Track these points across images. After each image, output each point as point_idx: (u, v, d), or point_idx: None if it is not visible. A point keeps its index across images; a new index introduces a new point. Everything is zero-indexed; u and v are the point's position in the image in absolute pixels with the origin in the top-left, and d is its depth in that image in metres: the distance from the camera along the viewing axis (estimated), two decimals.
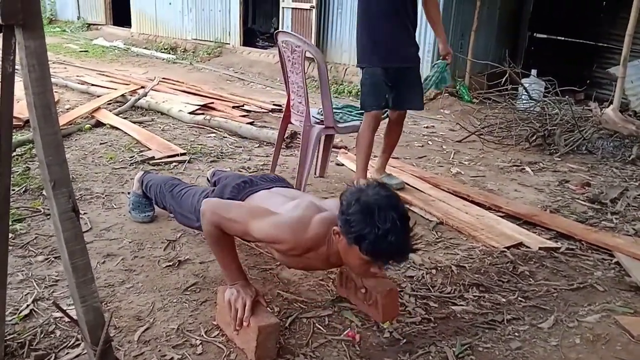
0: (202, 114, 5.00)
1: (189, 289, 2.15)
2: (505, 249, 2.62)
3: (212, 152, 3.99)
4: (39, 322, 1.87)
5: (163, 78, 6.69)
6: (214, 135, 4.47)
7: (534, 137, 4.74)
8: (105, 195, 3.03)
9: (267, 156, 3.96)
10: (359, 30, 3.17)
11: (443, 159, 4.29)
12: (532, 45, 8.38)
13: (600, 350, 1.89)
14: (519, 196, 3.48)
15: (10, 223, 2.01)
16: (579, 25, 7.96)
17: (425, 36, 6.54)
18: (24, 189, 2.98)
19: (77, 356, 1.70)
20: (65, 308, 1.74)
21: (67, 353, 1.72)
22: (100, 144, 4.00)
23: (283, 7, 8.11)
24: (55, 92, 5.45)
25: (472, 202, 3.25)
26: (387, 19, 3.03)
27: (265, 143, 4.29)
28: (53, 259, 2.29)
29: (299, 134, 3.96)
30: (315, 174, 3.59)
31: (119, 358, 1.64)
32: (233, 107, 5.47)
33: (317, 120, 3.19)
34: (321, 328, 1.95)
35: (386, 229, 1.54)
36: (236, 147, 4.20)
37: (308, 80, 3.15)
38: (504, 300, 2.20)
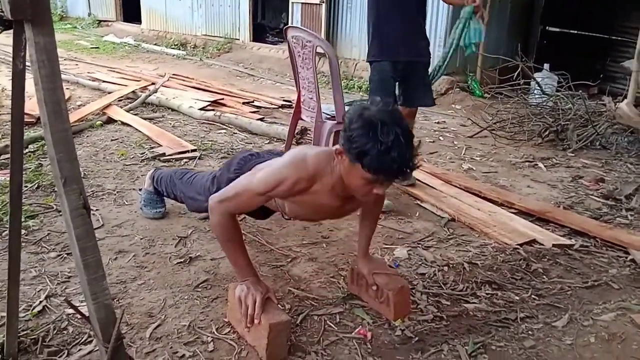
0: (213, 110, 5.00)
1: (200, 286, 2.15)
2: (518, 246, 2.59)
3: (223, 148, 3.98)
4: (51, 318, 1.88)
5: (173, 74, 6.70)
6: (224, 131, 4.46)
7: (547, 133, 4.68)
8: (117, 192, 3.03)
9: None
10: (369, 23, 3.13)
11: (454, 154, 4.25)
12: (544, 39, 8.28)
13: (616, 349, 1.86)
14: (531, 192, 3.44)
15: (23, 219, 2.02)
16: (592, 18, 7.85)
17: (436, 30, 6.49)
18: (36, 186, 3.00)
19: (89, 352, 1.71)
20: (77, 304, 1.74)
21: (80, 349, 1.73)
22: (112, 140, 4.02)
23: (292, 2, 8.07)
24: (67, 88, 5.48)
25: (484, 198, 3.22)
26: (397, 12, 2.99)
27: (275, 139, 4.28)
28: (65, 255, 2.30)
29: (310, 130, 3.95)
30: None
31: (131, 355, 1.65)
32: (243, 103, 5.46)
33: (328, 116, 3.17)
34: (332, 326, 1.94)
35: (389, 143, 1.52)
36: (246, 143, 4.19)
37: (318, 76, 3.13)
38: (517, 298, 2.17)
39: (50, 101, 1.20)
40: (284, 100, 5.70)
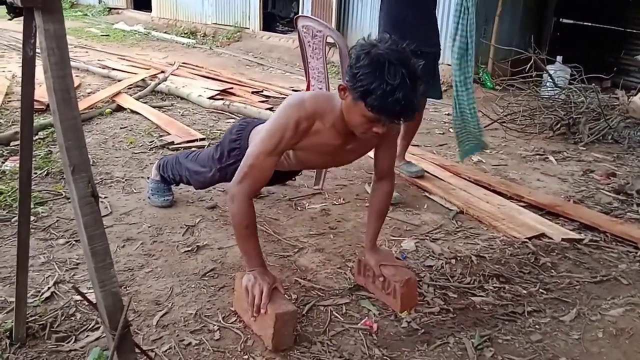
0: (222, 99, 4.99)
1: (207, 275, 2.15)
2: (527, 240, 2.57)
3: None
4: (59, 304, 1.89)
5: (183, 63, 6.69)
6: (233, 120, 4.46)
7: (558, 126, 4.63)
8: (125, 180, 3.05)
9: None
10: (380, 9, 3.10)
11: None
12: (557, 31, 8.18)
13: (624, 344, 1.85)
14: (541, 186, 3.42)
15: (32, 206, 2.03)
16: (606, 10, 7.73)
17: (447, 25, 6.42)
18: (45, 173, 3.02)
19: (96, 339, 1.72)
20: (85, 291, 1.76)
21: (87, 336, 1.75)
22: (121, 128, 4.03)
23: None
24: (77, 76, 5.49)
25: (494, 191, 3.20)
26: (410, 2, 2.96)
27: None
28: (74, 242, 2.32)
29: None
30: None
31: (137, 342, 1.66)
32: (252, 93, 5.45)
33: None
34: (338, 316, 1.94)
35: (395, 84, 1.50)
36: None
37: (327, 66, 3.11)
38: (524, 291, 2.16)
39: (59, 89, 1.20)
40: (293, 90, 5.68)
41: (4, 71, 5.60)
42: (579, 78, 5.13)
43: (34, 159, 1.74)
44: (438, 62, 3.22)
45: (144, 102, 4.73)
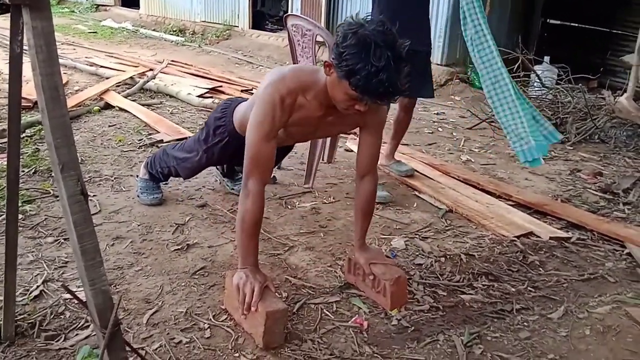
0: (211, 97, 4.98)
1: (197, 273, 2.15)
2: (515, 238, 2.60)
3: None
4: (48, 303, 1.88)
5: (172, 60, 6.66)
6: None
7: None
8: (114, 178, 3.02)
9: None
10: (373, 8, 3.10)
11: (453, 146, 4.25)
12: (545, 32, 8.24)
13: (611, 341, 1.87)
14: (529, 185, 3.45)
15: (20, 204, 2.01)
16: (593, 11, 7.81)
17: (436, 23, 6.46)
18: (33, 170, 2.99)
19: (86, 337, 1.71)
20: (74, 290, 1.75)
21: (77, 334, 1.73)
22: (109, 126, 4.00)
23: None
24: (64, 73, 5.44)
25: (482, 190, 3.22)
26: (407, 1, 2.97)
27: None
28: (63, 240, 2.30)
29: None
30: (323, 159, 3.56)
31: (128, 340, 1.65)
32: (241, 91, 5.44)
33: None
34: (329, 314, 1.95)
35: (380, 66, 1.51)
36: None
37: (317, 65, 3.11)
38: (513, 289, 2.18)
39: (48, 87, 1.19)
40: None
41: None
42: (566, 78, 5.18)
43: (21, 157, 1.72)
44: (430, 59, 3.24)
45: (133, 100, 4.70)
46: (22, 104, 1.73)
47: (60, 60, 1.25)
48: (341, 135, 3.76)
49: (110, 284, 1.98)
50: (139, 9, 10.94)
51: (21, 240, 2.17)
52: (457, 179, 3.38)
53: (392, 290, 1.95)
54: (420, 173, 3.43)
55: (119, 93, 4.85)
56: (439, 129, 4.78)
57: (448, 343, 1.83)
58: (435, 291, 2.13)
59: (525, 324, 1.96)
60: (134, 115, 4.26)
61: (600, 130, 4.59)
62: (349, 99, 1.66)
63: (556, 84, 5.40)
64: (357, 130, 2.10)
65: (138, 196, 2.73)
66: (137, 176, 2.79)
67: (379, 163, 3.23)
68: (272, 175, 2.99)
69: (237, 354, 1.70)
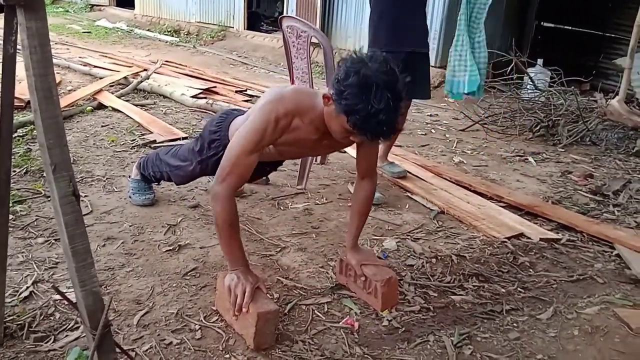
0: (205, 98, 4.97)
1: (188, 274, 2.15)
2: (506, 240, 2.62)
3: None
4: (38, 304, 1.87)
5: (166, 61, 6.64)
6: None
7: (538, 127, 4.71)
8: (106, 178, 3.02)
9: None
10: (372, 11, 3.11)
11: (446, 147, 4.27)
12: (538, 34, 8.29)
13: (599, 342, 1.89)
14: (521, 186, 3.47)
15: (10, 205, 2.01)
16: (586, 14, 7.87)
17: (431, 25, 6.48)
18: (25, 171, 2.98)
19: (76, 339, 1.71)
20: (65, 291, 1.75)
21: (66, 335, 1.73)
22: (102, 126, 3.99)
23: None
24: (58, 73, 5.42)
25: (474, 191, 3.24)
26: (402, 2, 2.99)
27: None
28: (53, 241, 2.29)
29: None
30: (316, 160, 3.57)
31: (118, 342, 1.65)
32: (236, 92, 5.44)
33: None
34: (320, 315, 1.95)
35: (379, 108, 1.52)
36: None
37: (312, 66, 3.12)
38: (503, 290, 2.20)
39: (41, 87, 1.19)
40: None
41: None
42: (559, 81, 5.22)
43: (12, 157, 1.72)
44: (428, 61, 3.25)
45: (126, 100, 4.69)
46: (15, 104, 1.72)
47: (54, 60, 1.25)
48: None
49: (101, 285, 1.98)
50: (133, 9, 10.90)
51: (11, 240, 2.17)
52: (449, 181, 3.40)
53: (383, 291, 1.97)
54: (413, 174, 3.45)
55: (112, 93, 4.83)
56: (432, 130, 4.81)
57: (438, 344, 1.84)
58: (426, 292, 2.15)
59: (514, 324, 1.98)
60: (127, 116, 4.25)
61: (592, 132, 4.63)
62: (345, 131, 1.67)
63: (549, 86, 5.44)
64: None
65: (130, 197, 2.72)
66: (129, 177, 2.79)
67: None
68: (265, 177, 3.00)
69: (227, 355, 1.71)
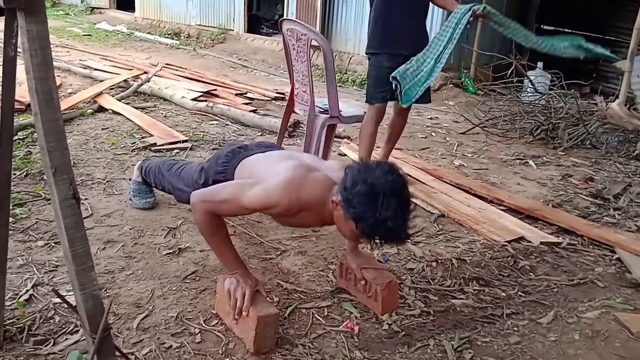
0: (205, 100, 4.97)
1: (188, 277, 2.15)
2: (506, 243, 2.61)
3: (215, 139, 3.97)
4: (38, 307, 1.87)
5: (166, 64, 6.65)
6: (216, 122, 4.45)
7: (538, 131, 4.71)
8: (107, 181, 3.02)
9: None
10: (372, 14, 3.11)
11: (446, 150, 4.27)
12: None
13: (599, 346, 1.89)
14: (521, 190, 3.47)
15: (10, 207, 2.01)
16: (586, 17, 7.88)
17: (431, 28, 6.48)
18: (25, 173, 2.98)
19: (75, 342, 1.71)
20: (64, 294, 1.74)
21: (66, 339, 1.73)
22: (102, 129, 3.99)
23: None
24: (58, 76, 5.42)
25: (474, 195, 3.24)
26: (403, 6, 2.99)
27: (267, 131, 4.27)
28: (53, 244, 2.29)
29: (302, 123, 3.94)
30: None
31: (118, 345, 1.65)
32: (236, 95, 5.44)
33: (321, 110, 3.17)
34: (320, 319, 1.95)
35: (386, 216, 1.54)
36: (238, 135, 4.18)
37: (312, 69, 3.12)
38: (503, 294, 2.19)
39: (41, 90, 1.19)
40: (277, 93, 5.68)
41: None
42: (559, 84, 5.23)
43: (13, 160, 1.72)
44: None
45: (126, 103, 4.70)
46: (15, 107, 1.73)
47: (54, 63, 1.25)
48: (335, 139, 3.78)
49: (101, 289, 1.98)
50: (134, 12, 10.92)
51: (11, 243, 2.16)
52: (449, 184, 3.40)
53: (383, 295, 1.96)
54: (413, 177, 3.44)
55: (112, 96, 4.84)
56: (433, 133, 4.81)
57: (438, 348, 1.84)
58: (427, 296, 2.14)
59: (515, 328, 1.98)
60: (128, 119, 4.26)
61: (592, 135, 4.63)
62: (354, 235, 1.68)
63: (549, 90, 5.44)
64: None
65: (130, 199, 2.72)
66: (130, 179, 2.79)
67: None
68: None
69: (227, 359, 1.70)
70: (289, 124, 3.81)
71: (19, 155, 3.20)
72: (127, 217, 2.61)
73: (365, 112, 3.30)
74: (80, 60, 6.57)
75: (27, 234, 2.36)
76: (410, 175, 3.44)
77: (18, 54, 1.33)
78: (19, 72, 1.34)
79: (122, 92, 5.05)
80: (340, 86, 6.67)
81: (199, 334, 1.81)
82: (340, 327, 1.91)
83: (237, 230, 2.56)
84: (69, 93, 4.94)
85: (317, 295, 2.10)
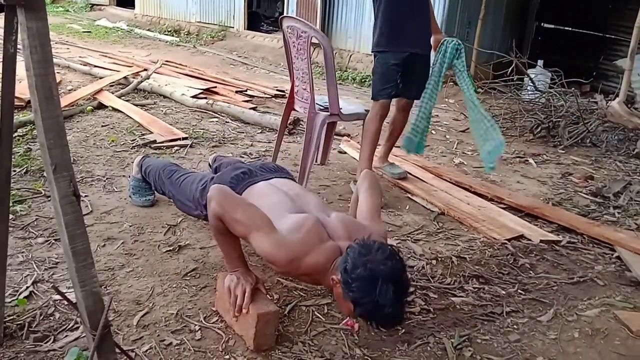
0: (205, 98, 4.97)
1: (188, 274, 2.15)
2: (506, 241, 2.61)
3: (214, 137, 3.97)
4: (38, 304, 1.87)
5: (166, 61, 6.64)
6: (216, 119, 4.44)
7: (538, 129, 4.71)
8: (107, 178, 3.02)
9: (269, 142, 3.94)
10: (378, 13, 3.11)
11: (446, 148, 4.27)
12: (539, 36, 8.30)
13: (599, 344, 1.89)
14: (521, 188, 3.47)
15: (11, 204, 2.01)
16: (586, 16, 7.87)
17: None
18: (25, 170, 2.97)
19: (75, 339, 1.71)
20: (64, 291, 1.74)
21: (66, 336, 1.73)
22: (102, 126, 3.99)
23: None
24: (58, 72, 5.42)
25: (474, 193, 3.24)
26: (408, 4, 2.99)
27: (267, 129, 4.27)
28: (53, 241, 2.29)
29: (302, 120, 3.94)
30: (316, 161, 3.57)
31: (118, 342, 1.65)
32: (236, 92, 5.43)
33: (321, 107, 3.17)
34: (320, 316, 1.95)
35: (384, 302, 1.56)
36: (238, 132, 4.18)
37: (312, 67, 3.12)
38: (503, 292, 2.20)
39: (41, 87, 1.19)
40: (277, 90, 5.68)
41: None
42: (559, 82, 5.22)
43: (12, 157, 1.72)
44: (430, 63, 3.25)
45: (126, 100, 4.69)
46: (15, 104, 1.72)
47: (54, 60, 1.24)
48: (335, 137, 3.77)
49: (101, 286, 1.98)
50: (134, 8, 10.91)
51: (11, 240, 2.16)
52: (449, 182, 3.40)
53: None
54: (413, 175, 3.45)
55: (112, 93, 4.83)
56: (432, 131, 4.80)
57: (438, 345, 1.84)
58: (427, 294, 2.14)
59: (515, 326, 1.98)
60: (128, 116, 4.25)
61: (592, 134, 4.63)
62: (352, 314, 1.69)
63: (549, 88, 5.44)
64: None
65: (130, 196, 2.72)
66: (129, 176, 2.79)
67: (372, 165, 3.26)
68: None
69: (227, 356, 1.71)
70: (289, 122, 3.81)
71: (18, 152, 3.20)
72: (127, 214, 2.61)
73: (365, 110, 3.30)
74: (80, 57, 6.56)
75: (27, 231, 2.36)
76: (410, 173, 3.44)
77: (18, 50, 1.33)
78: (19, 69, 1.34)
79: (122, 89, 5.04)
80: (340, 84, 6.65)
81: (199, 331, 1.81)
82: (340, 324, 1.91)
83: None
84: (69, 90, 4.94)
85: (317, 292, 2.10)
